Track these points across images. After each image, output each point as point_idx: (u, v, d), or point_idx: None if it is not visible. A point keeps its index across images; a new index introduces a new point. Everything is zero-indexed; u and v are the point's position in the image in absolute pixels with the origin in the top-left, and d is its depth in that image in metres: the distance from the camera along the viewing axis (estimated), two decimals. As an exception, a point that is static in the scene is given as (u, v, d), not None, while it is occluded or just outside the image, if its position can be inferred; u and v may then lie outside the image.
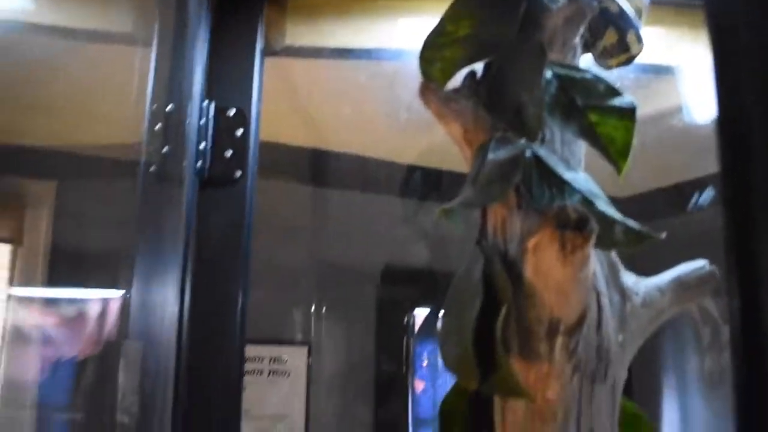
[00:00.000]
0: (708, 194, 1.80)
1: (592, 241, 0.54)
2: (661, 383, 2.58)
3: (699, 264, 0.71)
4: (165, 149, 0.86)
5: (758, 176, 0.43)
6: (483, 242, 0.64)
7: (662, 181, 2.28)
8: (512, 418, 0.64)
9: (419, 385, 2.57)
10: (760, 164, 0.43)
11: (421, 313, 2.58)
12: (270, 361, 2.26)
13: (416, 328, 2.58)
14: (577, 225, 0.53)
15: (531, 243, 0.56)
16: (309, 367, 2.32)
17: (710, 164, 0.55)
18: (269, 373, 2.26)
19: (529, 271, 0.58)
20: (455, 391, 0.72)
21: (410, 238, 2.47)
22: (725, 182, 0.47)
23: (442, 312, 0.63)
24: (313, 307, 2.41)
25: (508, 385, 0.58)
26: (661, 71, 1.37)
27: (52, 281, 2.07)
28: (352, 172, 2.32)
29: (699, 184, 1.86)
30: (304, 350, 2.32)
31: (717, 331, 0.76)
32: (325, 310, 2.41)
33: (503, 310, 0.58)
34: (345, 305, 2.48)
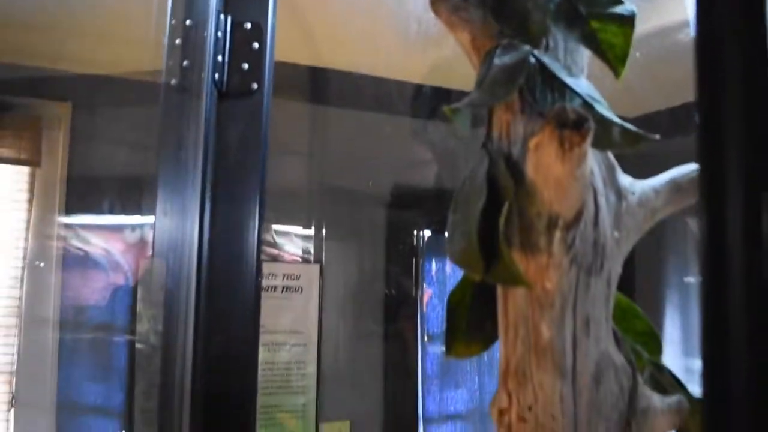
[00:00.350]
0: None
1: (589, 138, 0.58)
2: (664, 299, 2.64)
3: (693, 167, 0.75)
4: (185, 63, 0.89)
5: (730, 100, 0.46)
6: (488, 145, 0.68)
7: (671, 101, 2.29)
8: (513, 306, 0.69)
9: (428, 303, 2.65)
10: (733, 87, 0.46)
11: (429, 233, 2.64)
12: (283, 277, 2.33)
13: (425, 247, 2.64)
14: (575, 124, 0.57)
15: (532, 142, 0.60)
16: (321, 285, 2.39)
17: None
18: (283, 290, 2.33)
19: (530, 170, 0.62)
20: (461, 286, 0.77)
21: (419, 158, 2.50)
22: (700, 103, 0.49)
23: (450, 210, 0.68)
24: (313, 228, 2.45)
25: (510, 274, 0.63)
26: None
27: (71, 202, 2.12)
28: (360, 92, 2.33)
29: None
30: (317, 268, 2.39)
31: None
32: (335, 229, 2.46)
33: (506, 207, 0.63)
34: (354, 225, 2.53)
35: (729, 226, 0.44)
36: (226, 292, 1.04)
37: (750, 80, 0.46)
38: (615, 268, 0.72)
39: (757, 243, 0.43)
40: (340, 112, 2.45)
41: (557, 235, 0.65)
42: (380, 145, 2.47)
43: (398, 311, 2.58)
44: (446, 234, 0.68)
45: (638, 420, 0.72)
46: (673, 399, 0.75)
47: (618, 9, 0.68)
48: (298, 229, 2.44)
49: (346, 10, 1.90)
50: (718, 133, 0.47)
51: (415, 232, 2.61)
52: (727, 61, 0.47)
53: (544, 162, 0.60)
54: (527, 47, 0.64)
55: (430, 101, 2.29)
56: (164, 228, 1.12)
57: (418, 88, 2.28)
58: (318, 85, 2.37)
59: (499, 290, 0.71)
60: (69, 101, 2.07)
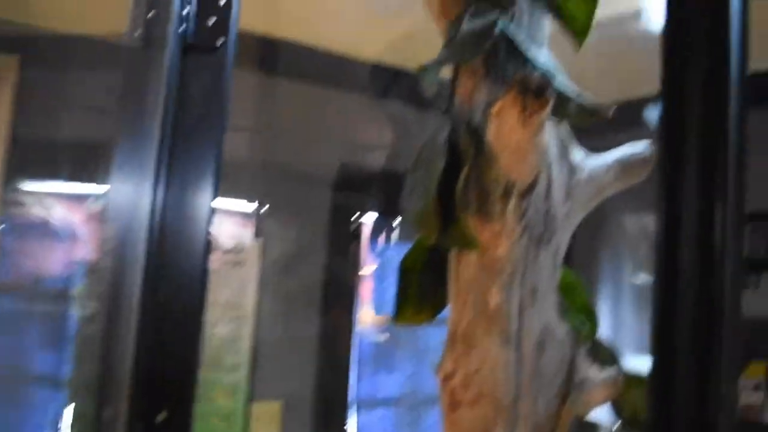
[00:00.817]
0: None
1: (550, 106, 0.60)
2: (597, 294, 2.71)
3: (641, 146, 0.78)
4: (150, 14, 0.88)
5: (696, 90, 0.47)
6: (450, 111, 0.70)
7: (628, 93, 2.32)
8: (465, 272, 0.71)
9: (371, 285, 2.66)
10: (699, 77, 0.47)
11: (372, 217, 2.65)
12: (224, 251, 2.31)
13: (369, 230, 2.65)
14: (536, 91, 0.59)
15: (495, 107, 0.62)
16: (262, 261, 2.37)
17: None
18: (224, 264, 2.31)
19: (491, 134, 0.64)
20: (414, 251, 0.79)
21: (368, 139, 2.50)
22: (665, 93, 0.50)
23: (409, 172, 0.69)
24: (256, 203, 2.41)
25: (465, 237, 0.65)
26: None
27: (14, 162, 2.05)
28: (312, 66, 2.31)
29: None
30: (258, 243, 2.37)
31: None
32: (277, 208, 2.44)
33: (464, 171, 0.64)
34: (298, 204, 2.51)
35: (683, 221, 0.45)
36: (176, 257, 1.03)
37: (711, 87, 0.47)
38: (563, 240, 0.74)
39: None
40: (289, 86, 2.42)
41: (512, 202, 0.67)
42: (329, 123, 2.46)
43: (336, 293, 2.58)
44: (402, 196, 0.70)
45: (575, 391, 0.75)
46: (610, 372, 0.78)
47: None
48: (242, 204, 2.40)
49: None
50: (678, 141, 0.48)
51: (358, 214, 2.61)
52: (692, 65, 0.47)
53: (505, 127, 0.62)
54: (496, 12, 0.66)
55: (383, 81, 2.28)
56: (119, 188, 1.10)
57: (373, 67, 2.28)
58: (269, 56, 2.33)
59: (452, 255, 0.72)
60: (16, 54, 1.99)
